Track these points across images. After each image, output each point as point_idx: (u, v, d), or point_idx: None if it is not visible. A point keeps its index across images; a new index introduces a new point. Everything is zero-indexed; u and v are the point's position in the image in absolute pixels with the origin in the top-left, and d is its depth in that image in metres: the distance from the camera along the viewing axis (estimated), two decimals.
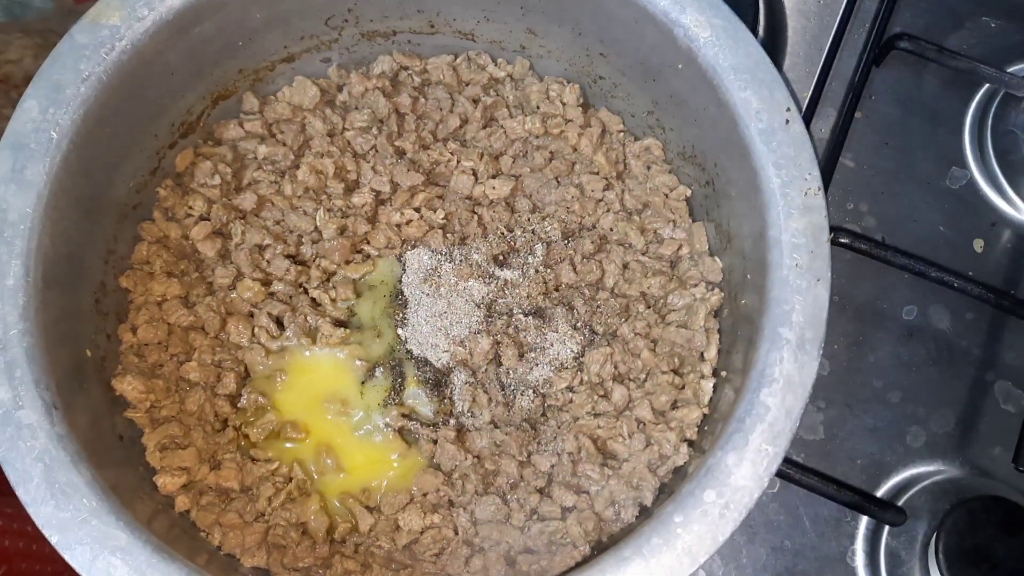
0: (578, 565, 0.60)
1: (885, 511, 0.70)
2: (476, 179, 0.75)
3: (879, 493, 0.76)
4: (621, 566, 0.53)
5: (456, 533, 0.66)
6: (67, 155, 0.61)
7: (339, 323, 0.72)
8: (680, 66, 0.65)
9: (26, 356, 0.56)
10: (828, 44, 0.86)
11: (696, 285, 0.71)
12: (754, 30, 0.83)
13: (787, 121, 0.61)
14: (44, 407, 0.55)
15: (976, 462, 0.77)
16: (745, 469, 0.55)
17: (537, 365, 0.70)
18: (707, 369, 0.68)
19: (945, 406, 0.78)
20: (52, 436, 0.55)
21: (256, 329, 0.70)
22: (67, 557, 0.53)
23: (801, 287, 0.58)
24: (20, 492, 0.54)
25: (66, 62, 0.61)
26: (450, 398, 0.70)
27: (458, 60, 0.78)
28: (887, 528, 0.74)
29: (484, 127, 0.76)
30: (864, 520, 0.75)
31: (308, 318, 0.71)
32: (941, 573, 0.69)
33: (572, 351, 0.70)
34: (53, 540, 0.53)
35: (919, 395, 0.78)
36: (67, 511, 0.53)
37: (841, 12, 0.86)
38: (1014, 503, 0.69)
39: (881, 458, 0.77)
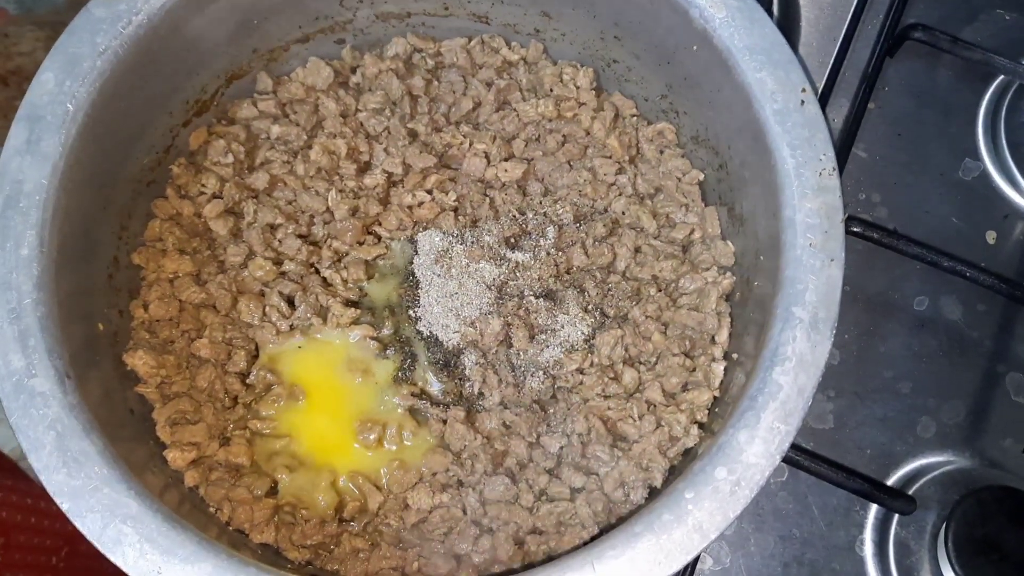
0: (587, 543, 0.60)
1: (895, 500, 0.69)
2: (488, 162, 0.75)
3: (889, 483, 0.75)
4: (632, 541, 0.53)
5: (465, 513, 0.66)
6: (83, 128, 0.61)
7: (350, 303, 0.72)
8: (695, 48, 0.65)
9: (40, 326, 0.56)
10: (842, 34, 0.86)
11: (708, 269, 0.71)
12: None
13: (802, 102, 0.60)
14: (57, 376, 0.56)
15: (986, 453, 0.76)
16: (757, 447, 0.55)
17: (548, 347, 0.70)
18: (718, 352, 0.68)
19: (956, 397, 0.78)
20: (64, 405, 0.55)
21: (267, 308, 0.71)
22: (78, 524, 0.53)
23: (815, 267, 0.58)
24: (32, 459, 0.54)
25: (83, 35, 0.62)
26: (460, 379, 0.70)
27: (472, 43, 0.78)
28: (896, 517, 0.73)
29: (497, 110, 0.77)
30: (873, 509, 0.75)
31: (319, 298, 0.71)
32: (950, 563, 0.68)
33: (583, 333, 0.70)
34: (64, 507, 0.53)
35: (930, 386, 0.78)
36: (79, 479, 0.54)
37: (855, 2, 0.86)
38: None
39: (891, 448, 0.76)
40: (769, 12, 0.83)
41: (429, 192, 0.74)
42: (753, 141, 0.63)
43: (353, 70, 0.78)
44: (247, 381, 0.70)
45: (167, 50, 0.66)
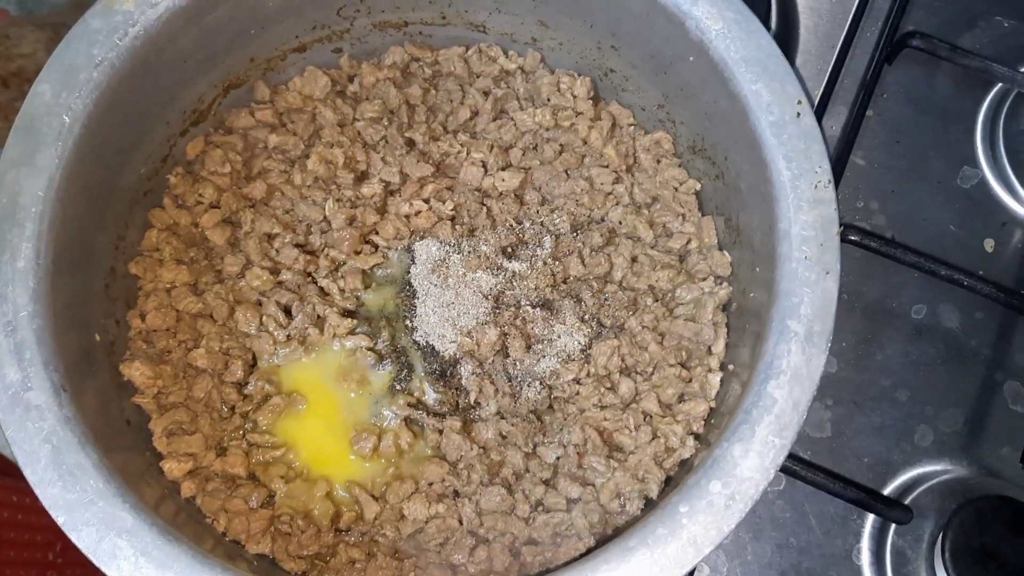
0: (583, 556, 0.60)
1: (891, 509, 0.69)
2: (486, 171, 0.75)
3: (886, 491, 0.75)
4: (626, 556, 0.53)
5: (461, 523, 0.66)
6: (79, 140, 0.61)
7: (347, 313, 0.72)
8: (691, 59, 0.65)
9: (35, 338, 0.56)
10: (840, 42, 0.85)
11: (705, 279, 0.71)
12: (766, 27, 0.83)
13: (798, 114, 0.60)
14: (52, 388, 0.56)
15: (984, 462, 0.76)
16: (751, 460, 0.55)
17: (544, 357, 0.70)
18: (714, 363, 0.68)
19: (953, 406, 0.78)
20: (60, 418, 0.55)
21: (264, 318, 0.71)
22: (73, 538, 0.53)
23: (810, 280, 0.58)
24: (28, 473, 0.54)
25: (79, 47, 0.62)
26: (457, 389, 0.70)
27: (469, 52, 0.78)
28: (893, 526, 0.73)
29: (494, 119, 0.77)
30: (870, 518, 0.75)
31: (316, 307, 0.71)
32: (947, 572, 0.68)
33: (579, 343, 0.70)
34: (60, 521, 0.53)
35: (927, 394, 0.78)
36: (74, 492, 0.54)
37: (854, 10, 0.86)
38: (1022, 503, 0.69)
39: (888, 457, 0.76)
40: (767, 19, 0.83)
41: (426, 201, 0.74)
42: (749, 152, 0.63)
43: (350, 79, 0.78)
44: (244, 391, 0.70)
45: (164, 61, 0.66)
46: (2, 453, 0.86)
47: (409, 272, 0.73)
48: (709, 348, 0.69)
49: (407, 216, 0.74)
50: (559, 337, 0.70)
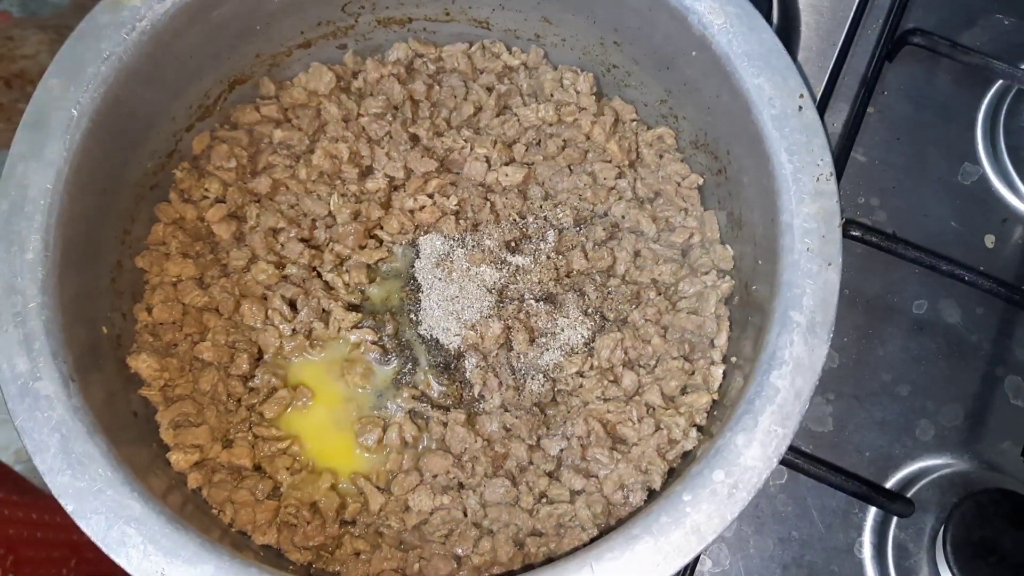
0: (586, 545, 0.60)
1: (893, 502, 0.70)
2: (489, 166, 0.75)
3: (887, 485, 0.75)
4: (630, 544, 0.54)
5: (465, 515, 0.66)
6: (87, 134, 0.61)
7: (352, 307, 0.73)
8: (694, 53, 0.66)
9: (44, 329, 0.57)
10: (841, 39, 0.86)
11: (707, 273, 0.71)
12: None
13: (800, 107, 0.61)
14: (61, 379, 0.56)
15: (985, 456, 0.76)
16: (754, 450, 0.55)
17: (548, 350, 0.70)
18: (717, 355, 0.68)
19: (954, 400, 0.78)
20: (69, 407, 0.56)
21: (270, 311, 0.71)
22: (82, 526, 0.53)
23: (812, 271, 0.58)
24: (37, 461, 0.54)
25: (88, 42, 0.62)
26: (461, 382, 0.71)
27: (473, 48, 0.78)
28: (895, 520, 0.74)
29: (498, 115, 0.77)
30: (872, 512, 0.75)
31: (321, 301, 0.72)
32: (948, 565, 0.68)
33: (583, 336, 0.71)
34: (69, 509, 0.54)
35: (928, 389, 0.78)
36: (83, 481, 0.54)
37: (854, 7, 0.86)
38: (1022, 497, 0.69)
39: (890, 451, 0.77)
40: (769, 17, 0.83)
41: (430, 196, 0.74)
42: (751, 146, 0.63)
43: (355, 75, 0.78)
44: (250, 384, 0.70)
45: (170, 56, 0.66)
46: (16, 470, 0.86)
47: (413, 266, 0.74)
48: (712, 341, 0.69)
49: (411, 211, 0.74)
50: (562, 330, 0.71)
